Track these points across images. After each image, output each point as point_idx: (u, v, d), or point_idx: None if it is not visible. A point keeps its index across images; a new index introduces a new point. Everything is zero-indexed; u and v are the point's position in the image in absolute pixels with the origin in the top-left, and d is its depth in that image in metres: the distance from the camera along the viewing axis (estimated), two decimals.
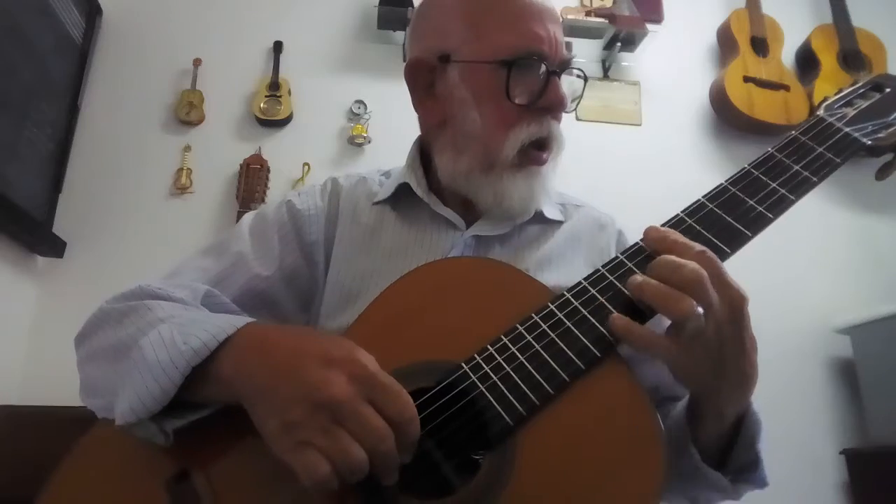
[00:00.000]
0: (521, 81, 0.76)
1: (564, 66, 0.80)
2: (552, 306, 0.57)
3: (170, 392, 0.52)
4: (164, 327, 0.56)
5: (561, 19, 0.84)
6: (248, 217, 0.84)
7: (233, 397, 0.52)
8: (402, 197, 0.86)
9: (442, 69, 0.81)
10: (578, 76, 0.84)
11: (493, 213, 0.81)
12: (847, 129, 0.65)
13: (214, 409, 0.54)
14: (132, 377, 0.54)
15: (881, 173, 0.70)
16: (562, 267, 0.80)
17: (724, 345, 0.54)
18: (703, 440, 0.61)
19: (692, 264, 0.52)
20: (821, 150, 0.63)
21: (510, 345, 0.55)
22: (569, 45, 0.80)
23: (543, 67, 0.76)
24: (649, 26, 2.31)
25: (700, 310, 0.52)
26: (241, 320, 0.56)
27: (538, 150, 0.79)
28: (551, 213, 0.87)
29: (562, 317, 0.56)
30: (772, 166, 0.63)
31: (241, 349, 0.53)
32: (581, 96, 0.84)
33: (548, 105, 0.77)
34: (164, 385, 0.51)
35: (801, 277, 2.16)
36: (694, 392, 0.61)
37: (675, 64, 2.46)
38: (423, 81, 0.83)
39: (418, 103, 0.86)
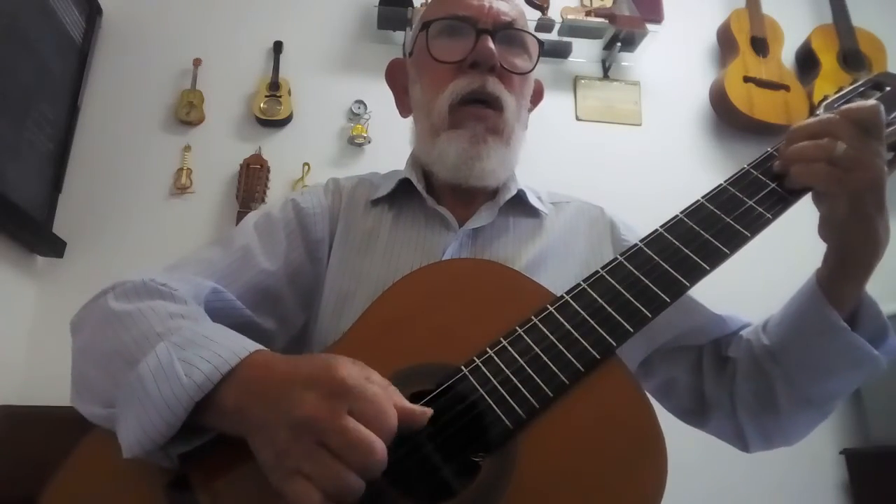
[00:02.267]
0: (450, 43, 0.82)
1: (500, 28, 0.82)
2: (551, 308, 0.57)
3: (175, 426, 0.51)
4: (162, 349, 0.55)
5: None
6: (253, 215, 0.84)
7: (236, 432, 0.51)
8: (401, 195, 0.86)
9: (409, 64, 0.91)
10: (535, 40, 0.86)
11: (465, 188, 0.82)
12: None
13: (214, 434, 0.54)
14: (134, 409, 0.52)
15: None
16: (558, 263, 0.81)
17: (877, 178, 0.58)
18: (840, 313, 0.64)
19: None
20: None
21: (509, 347, 0.55)
22: (514, 21, 0.83)
23: (472, 29, 0.80)
24: (649, 26, 2.31)
25: (842, 145, 0.57)
26: (242, 347, 0.54)
27: (476, 106, 0.80)
28: (539, 204, 0.88)
29: (561, 319, 0.56)
30: (771, 167, 0.63)
31: (243, 384, 0.51)
32: (538, 60, 0.86)
33: (474, 59, 0.79)
34: (169, 421, 0.51)
35: (801, 278, 2.15)
36: (849, 240, 0.63)
37: (675, 64, 2.46)
38: (400, 82, 0.93)
39: (397, 103, 0.94)
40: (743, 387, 0.75)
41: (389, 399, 0.48)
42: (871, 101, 0.60)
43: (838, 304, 0.65)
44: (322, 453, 0.44)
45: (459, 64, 0.80)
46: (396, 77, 0.94)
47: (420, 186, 0.85)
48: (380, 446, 0.44)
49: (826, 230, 0.64)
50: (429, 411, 0.50)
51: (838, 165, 0.58)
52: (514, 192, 0.86)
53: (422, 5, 2.19)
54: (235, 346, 0.54)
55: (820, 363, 0.68)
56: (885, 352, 0.66)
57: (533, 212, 0.87)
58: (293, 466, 0.45)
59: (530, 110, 0.92)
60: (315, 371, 0.48)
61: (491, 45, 0.79)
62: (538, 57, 0.86)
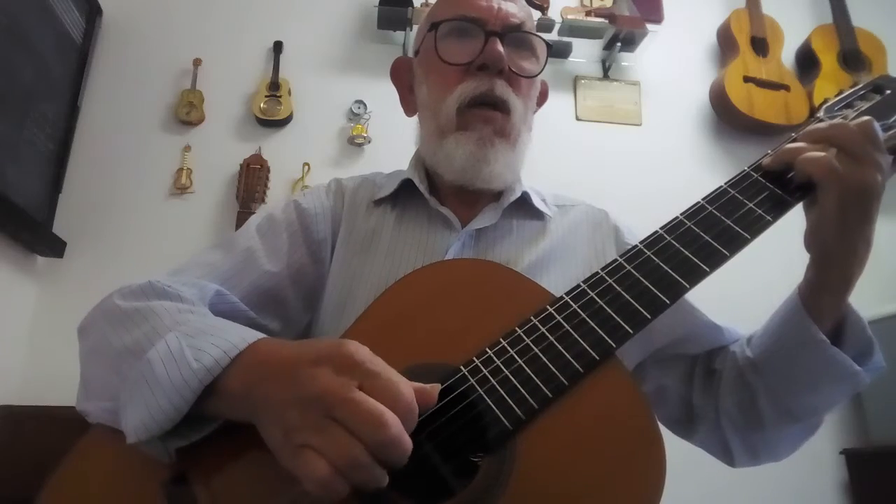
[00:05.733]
0: (458, 44, 0.81)
1: (509, 30, 0.81)
2: (551, 309, 0.57)
3: (183, 410, 0.51)
4: (172, 337, 0.55)
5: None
6: (255, 217, 0.84)
7: (243, 416, 0.51)
8: (404, 195, 0.86)
9: (415, 63, 0.90)
10: (543, 42, 0.86)
11: (470, 191, 0.82)
12: None
13: (215, 426, 0.54)
14: (142, 393, 0.52)
15: None
16: (559, 265, 0.81)
17: (869, 188, 0.58)
18: (820, 328, 0.64)
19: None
20: None
21: (509, 348, 0.55)
22: (523, 24, 0.83)
23: (481, 31, 0.80)
24: (649, 26, 2.31)
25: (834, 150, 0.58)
26: (252, 334, 0.55)
27: (484, 109, 0.80)
28: (543, 207, 0.88)
29: (560, 320, 0.56)
30: (773, 166, 0.62)
31: (250, 368, 0.51)
32: (545, 63, 0.86)
33: (482, 61, 0.79)
34: (177, 404, 0.51)
35: (801, 279, 2.15)
36: (831, 250, 0.62)
37: (675, 64, 2.46)
38: (405, 81, 0.92)
39: (402, 101, 0.93)
40: (727, 399, 0.75)
41: (398, 375, 0.47)
42: (866, 117, 0.61)
43: (819, 316, 0.64)
44: (331, 425, 0.43)
45: (467, 66, 0.80)
46: (402, 76, 0.93)
47: (423, 187, 0.85)
48: (391, 419, 0.43)
49: (811, 238, 0.63)
50: (436, 386, 0.49)
51: (838, 160, 0.58)
52: (518, 193, 0.86)
53: (422, 5, 2.20)
54: (244, 333, 0.55)
55: (800, 376, 0.67)
56: (870, 369, 0.66)
57: (537, 214, 0.87)
58: (301, 441, 0.44)
59: (535, 111, 0.91)
60: (323, 349, 0.48)
61: (500, 47, 0.79)
62: (546, 60, 0.86)
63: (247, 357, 0.52)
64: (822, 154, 0.58)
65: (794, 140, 0.62)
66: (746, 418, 0.74)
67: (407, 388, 0.46)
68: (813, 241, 0.63)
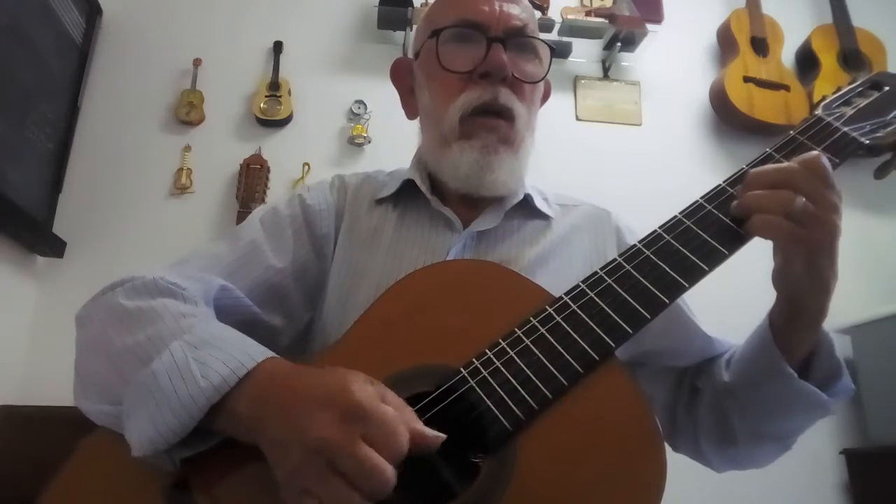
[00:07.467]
0: (460, 51, 0.79)
1: (511, 35, 0.80)
2: (550, 310, 0.57)
3: (189, 427, 0.51)
4: (177, 347, 0.55)
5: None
6: (259, 210, 0.84)
7: (248, 438, 0.51)
8: (405, 195, 0.86)
9: (415, 66, 0.88)
10: (547, 46, 0.84)
11: (475, 197, 0.82)
12: (845, 129, 0.64)
13: (218, 440, 0.54)
14: (147, 406, 0.52)
15: (880, 172, 0.69)
16: (560, 265, 0.80)
17: (834, 236, 0.58)
18: (789, 360, 0.64)
19: (777, 167, 0.59)
20: (819, 149, 0.62)
21: (508, 349, 0.55)
22: (525, 27, 0.81)
23: (483, 37, 0.78)
24: (649, 26, 2.31)
25: (801, 199, 0.56)
26: (257, 350, 0.55)
27: (488, 117, 0.79)
28: (545, 207, 0.87)
29: (560, 320, 0.56)
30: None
31: (257, 390, 0.51)
32: (549, 67, 0.84)
33: (485, 69, 0.77)
34: (184, 421, 0.51)
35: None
36: (801, 292, 0.62)
37: (675, 64, 2.46)
38: (405, 83, 0.91)
39: (403, 103, 0.91)
40: (705, 418, 0.76)
41: (403, 422, 0.47)
42: (815, 152, 0.60)
43: (791, 349, 0.64)
44: (333, 478, 0.44)
45: (470, 73, 0.78)
46: (402, 77, 0.91)
47: (424, 188, 0.85)
48: (389, 472, 0.44)
49: (778, 281, 0.63)
50: (441, 436, 0.49)
51: (796, 221, 0.56)
52: (520, 196, 0.85)
53: (422, 5, 2.20)
54: (250, 350, 0.54)
55: (771, 405, 0.68)
56: (836, 392, 0.66)
57: (539, 214, 0.86)
58: (304, 486, 0.45)
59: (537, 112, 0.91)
60: (332, 391, 0.48)
61: (503, 55, 0.77)
62: (549, 63, 0.84)
63: (254, 377, 0.52)
64: (779, 220, 0.56)
65: (748, 184, 0.60)
66: (722, 436, 0.75)
67: (404, 436, 0.46)
68: (781, 284, 0.63)
